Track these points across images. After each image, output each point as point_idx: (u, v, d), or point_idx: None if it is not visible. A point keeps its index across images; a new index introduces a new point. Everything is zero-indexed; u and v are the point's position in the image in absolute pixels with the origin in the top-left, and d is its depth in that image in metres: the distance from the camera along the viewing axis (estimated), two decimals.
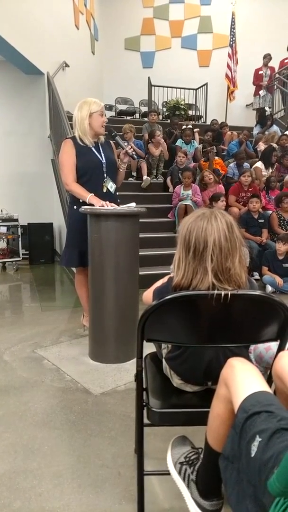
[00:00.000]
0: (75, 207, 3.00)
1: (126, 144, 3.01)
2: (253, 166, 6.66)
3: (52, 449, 1.89)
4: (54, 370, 2.72)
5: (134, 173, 6.69)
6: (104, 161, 2.98)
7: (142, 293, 1.59)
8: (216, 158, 6.68)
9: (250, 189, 5.92)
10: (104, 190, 2.98)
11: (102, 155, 2.99)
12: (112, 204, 2.82)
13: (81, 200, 2.95)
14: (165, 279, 1.43)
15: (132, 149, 3.03)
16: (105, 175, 2.99)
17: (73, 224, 3.06)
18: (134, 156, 3.02)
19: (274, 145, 6.98)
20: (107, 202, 2.80)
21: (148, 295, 1.51)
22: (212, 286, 1.23)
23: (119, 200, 3.10)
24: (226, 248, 1.24)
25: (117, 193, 3.13)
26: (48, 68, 6.90)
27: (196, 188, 5.91)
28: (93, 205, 2.81)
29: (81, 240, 2.94)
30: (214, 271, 1.24)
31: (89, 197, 2.85)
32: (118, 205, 2.92)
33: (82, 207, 2.77)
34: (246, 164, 6.77)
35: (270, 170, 6.64)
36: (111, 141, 3.10)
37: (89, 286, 2.90)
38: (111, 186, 3.00)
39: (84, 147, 2.95)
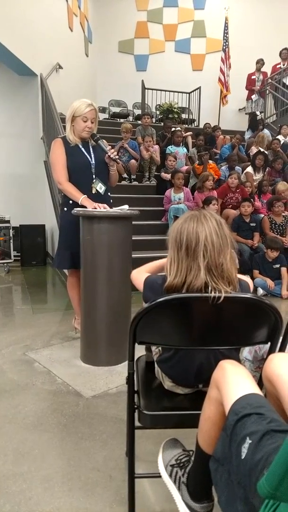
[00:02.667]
0: (65, 209, 3.00)
1: (109, 148, 2.97)
2: (244, 171, 6.71)
3: (43, 453, 1.87)
4: (45, 373, 2.70)
5: (125, 175, 6.70)
6: (93, 161, 2.95)
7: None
8: (210, 162, 6.71)
9: (237, 190, 5.96)
10: (93, 191, 2.96)
11: (92, 155, 2.97)
12: (104, 206, 2.82)
13: (70, 202, 2.94)
14: (161, 274, 1.42)
15: (115, 154, 2.99)
16: (93, 176, 2.97)
17: (64, 226, 3.06)
18: (118, 160, 3.00)
19: (260, 149, 7.03)
20: (99, 204, 2.80)
21: (138, 277, 1.50)
22: (205, 283, 1.24)
23: (111, 201, 3.09)
24: (218, 243, 1.26)
25: (109, 194, 3.12)
26: (41, 70, 6.90)
27: (188, 192, 5.92)
28: (85, 207, 2.81)
29: (73, 241, 2.94)
30: (208, 267, 1.25)
31: (81, 198, 2.85)
32: (111, 207, 2.92)
33: (75, 209, 2.77)
34: (238, 168, 6.81)
35: (261, 174, 6.68)
36: (104, 141, 3.05)
37: (81, 289, 2.89)
38: (100, 187, 2.97)
39: (73, 147, 2.94)
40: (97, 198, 2.93)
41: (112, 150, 2.96)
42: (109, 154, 2.94)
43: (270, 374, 1.12)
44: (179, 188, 5.86)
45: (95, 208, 2.77)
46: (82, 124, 2.88)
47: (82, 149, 2.96)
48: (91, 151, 2.98)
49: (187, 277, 1.27)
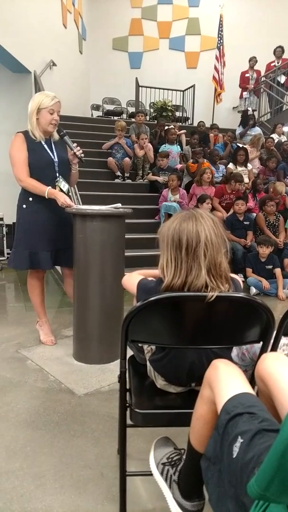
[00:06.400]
0: (24, 206, 2.89)
1: (75, 145, 2.89)
2: (226, 167, 6.73)
3: (35, 450, 1.88)
4: (38, 371, 2.70)
5: (119, 173, 6.69)
6: (56, 159, 2.87)
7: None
8: (204, 160, 6.72)
9: (233, 192, 5.98)
10: (57, 190, 2.86)
11: (55, 153, 2.88)
12: (72, 204, 2.79)
13: (30, 199, 2.85)
14: (154, 278, 1.43)
15: (80, 151, 2.90)
16: (57, 174, 2.88)
17: (22, 224, 2.92)
18: (83, 159, 2.92)
19: (239, 144, 7.09)
20: (69, 201, 2.77)
21: (130, 281, 1.49)
22: (205, 283, 1.25)
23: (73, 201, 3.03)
24: (216, 242, 1.27)
25: (70, 195, 3.01)
26: (35, 67, 6.85)
27: (184, 193, 5.93)
28: (53, 200, 2.78)
29: (32, 241, 2.87)
30: (208, 267, 1.26)
31: (47, 190, 2.76)
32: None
33: (67, 208, 2.75)
34: (222, 166, 6.86)
35: (243, 168, 6.65)
36: (65, 139, 2.95)
37: (74, 287, 2.88)
38: (64, 185, 2.90)
39: (35, 143, 2.83)
40: None
41: (78, 148, 2.88)
42: (75, 151, 2.87)
43: (263, 373, 1.13)
44: (174, 189, 5.86)
45: (66, 201, 2.74)
46: (48, 117, 2.78)
47: (45, 145, 2.85)
48: (54, 148, 2.88)
49: (187, 278, 1.27)
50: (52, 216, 2.88)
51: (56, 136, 2.93)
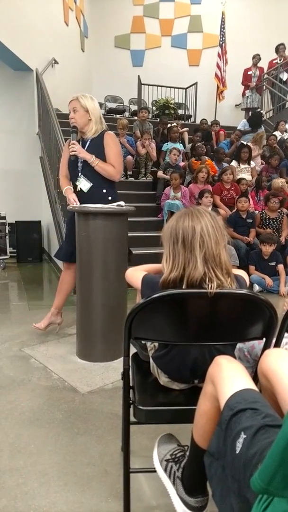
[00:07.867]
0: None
1: (73, 142, 2.88)
2: (229, 165, 6.73)
3: (39, 448, 1.88)
4: (41, 369, 2.71)
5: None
6: (80, 159, 2.92)
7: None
8: (206, 158, 6.71)
9: (232, 188, 5.97)
10: (77, 189, 2.95)
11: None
12: (75, 199, 2.90)
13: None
14: (159, 273, 1.43)
15: (72, 147, 2.88)
16: (80, 174, 2.94)
17: (67, 221, 3.19)
18: (74, 154, 2.89)
19: (244, 142, 7.09)
20: (72, 199, 2.89)
21: (134, 276, 1.49)
22: (203, 274, 1.25)
23: (110, 198, 2.97)
24: (214, 234, 1.28)
25: (104, 191, 2.97)
26: (37, 65, 6.86)
27: (186, 191, 5.93)
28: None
29: (68, 236, 3.09)
30: (205, 258, 1.27)
31: (65, 189, 2.95)
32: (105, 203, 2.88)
33: (70, 205, 2.78)
34: (226, 164, 6.85)
35: (246, 166, 6.64)
36: (109, 133, 2.97)
37: (76, 285, 2.89)
38: (84, 185, 2.92)
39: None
40: (81, 196, 2.93)
41: (73, 144, 2.87)
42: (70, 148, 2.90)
43: (266, 369, 1.13)
44: (177, 187, 5.86)
45: (70, 200, 2.89)
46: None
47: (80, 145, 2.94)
48: (86, 147, 2.93)
49: (185, 270, 1.28)
50: None
51: (93, 132, 2.93)
